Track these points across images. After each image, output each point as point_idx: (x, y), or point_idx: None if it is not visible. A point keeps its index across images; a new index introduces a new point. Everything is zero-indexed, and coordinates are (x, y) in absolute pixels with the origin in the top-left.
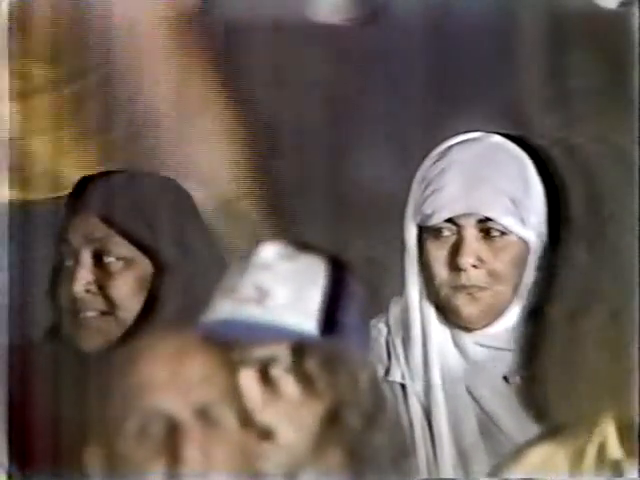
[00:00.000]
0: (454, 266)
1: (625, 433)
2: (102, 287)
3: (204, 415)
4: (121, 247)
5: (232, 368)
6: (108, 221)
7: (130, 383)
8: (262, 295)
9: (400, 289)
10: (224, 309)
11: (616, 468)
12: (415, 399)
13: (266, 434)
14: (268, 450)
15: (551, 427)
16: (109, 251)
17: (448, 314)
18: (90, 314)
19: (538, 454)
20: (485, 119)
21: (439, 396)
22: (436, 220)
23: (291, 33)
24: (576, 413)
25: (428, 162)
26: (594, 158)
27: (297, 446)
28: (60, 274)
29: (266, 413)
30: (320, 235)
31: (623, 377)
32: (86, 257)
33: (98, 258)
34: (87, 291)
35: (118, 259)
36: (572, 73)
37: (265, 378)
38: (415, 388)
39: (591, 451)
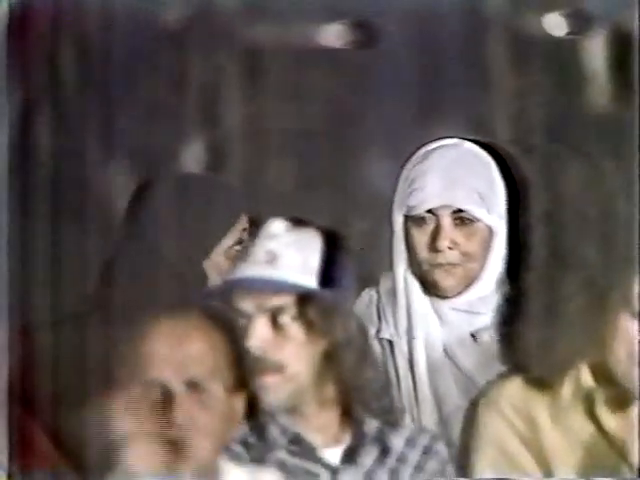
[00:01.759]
0: (433, 248)
1: (598, 372)
2: None
3: (195, 387)
4: None
5: (224, 348)
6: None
7: (137, 354)
8: (272, 258)
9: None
10: (242, 270)
11: (589, 397)
12: (400, 354)
13: (278, 368)
14: (278, 383)
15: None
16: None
17: (428, 285)
18: None
19: (512, 387)
20: (460, 127)
21: (420, 352)
22: (419, 210)
23: None
24: (553, 366)
25: (412, 163)
26: (551, 159)
27: (302, 379)
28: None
29: (277, 352)
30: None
31: (596, 332)
32: None
33: None
34: None
35: None
36: (531, 90)
37: (275, 324)
38: (401, 345)
39: (567, 385)
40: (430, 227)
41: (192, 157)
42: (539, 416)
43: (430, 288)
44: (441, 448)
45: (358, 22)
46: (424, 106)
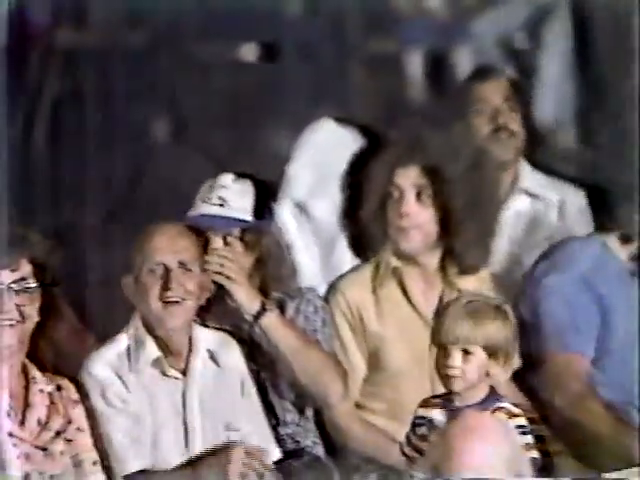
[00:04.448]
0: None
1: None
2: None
3: (184, 266)
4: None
5: (200, 244)
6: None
7: (147, 246)
8: (223, 201)
9: None
10: (202, 208)
11: (397, 273)
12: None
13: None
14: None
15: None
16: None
17: None
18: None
19: (348, 284)
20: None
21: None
22: None
23: None
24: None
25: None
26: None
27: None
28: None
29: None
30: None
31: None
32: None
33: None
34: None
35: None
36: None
37: (225, 242)
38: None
39: (381, 267)
40: None
41: (160, 130)
42: (366, 310)
43: None
44: (317, 301)
45: (266, 43)
46: (311, 97)
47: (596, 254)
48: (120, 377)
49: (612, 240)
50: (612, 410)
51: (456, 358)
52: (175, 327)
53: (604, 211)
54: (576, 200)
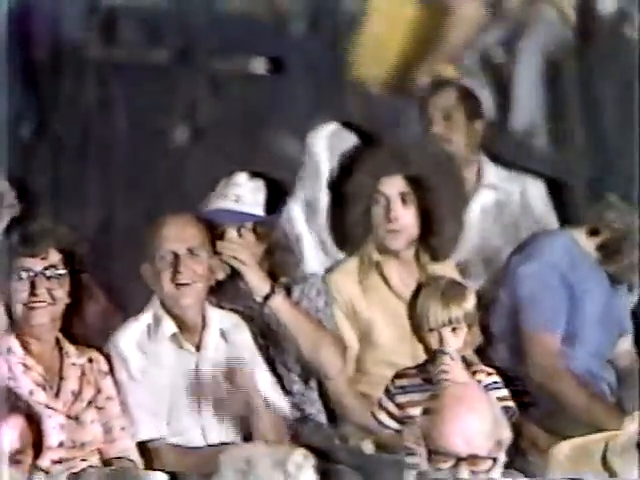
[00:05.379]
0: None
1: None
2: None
3: (192, 252)
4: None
5: (207, 232)
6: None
7: (158, 235)
8: (238, 198)
9: None
10: (218, 204)
11: (378, 265)
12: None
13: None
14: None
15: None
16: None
17: None
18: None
19: (339, 275)
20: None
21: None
22: None
23: None
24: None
25: None
26: None
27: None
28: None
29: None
30: None
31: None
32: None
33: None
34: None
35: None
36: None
37: (239, 233)
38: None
39: (363, 257)
40: None
41: (180, 135)
42: (355, 298)
43: None
44: (320, 285)
45: (273, 58)
46: (313, 105)
47: (565, 246)
48: (142, 351)
49: (580, 233)
50: (580, 380)
51: (449, 338)
52: (188, 305)
53: (573, 206)
54: (535, 189)
